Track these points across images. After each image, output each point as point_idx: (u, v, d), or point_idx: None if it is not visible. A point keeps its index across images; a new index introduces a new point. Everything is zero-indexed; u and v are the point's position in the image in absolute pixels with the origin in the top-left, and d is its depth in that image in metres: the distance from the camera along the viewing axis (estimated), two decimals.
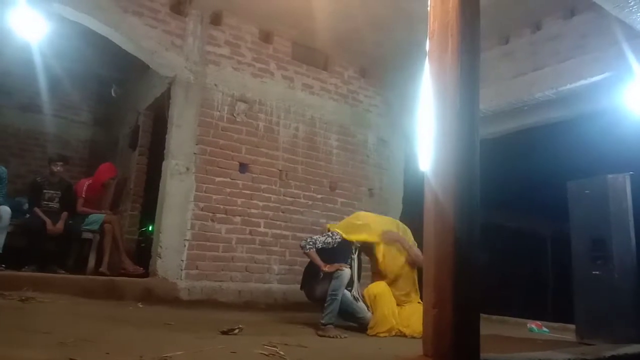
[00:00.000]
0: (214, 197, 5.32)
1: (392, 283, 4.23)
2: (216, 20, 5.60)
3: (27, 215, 5.36)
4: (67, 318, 3.32)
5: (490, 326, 4.83)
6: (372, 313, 4.08)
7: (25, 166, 7.05)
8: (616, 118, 5.45)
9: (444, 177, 2.30)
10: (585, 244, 4.30)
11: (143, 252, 5.91)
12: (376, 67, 6.73)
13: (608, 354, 3.15)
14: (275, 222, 5.72)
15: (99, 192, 5.90)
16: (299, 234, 5.70)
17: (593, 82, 4.93)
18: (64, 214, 5.31)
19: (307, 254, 4.15)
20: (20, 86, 7.07)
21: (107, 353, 2.29)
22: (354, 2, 5.12)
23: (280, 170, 5.85)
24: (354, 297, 4.15)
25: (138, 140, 6.34)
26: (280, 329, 3.78)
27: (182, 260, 5.06)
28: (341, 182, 6.35)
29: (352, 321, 4.18)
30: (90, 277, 4.89)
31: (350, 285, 4.14)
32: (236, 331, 3.19)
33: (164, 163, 5.22)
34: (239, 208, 5.48)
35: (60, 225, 5.20)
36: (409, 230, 4.45)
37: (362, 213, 4.76)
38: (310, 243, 4.13)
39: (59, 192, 5.47)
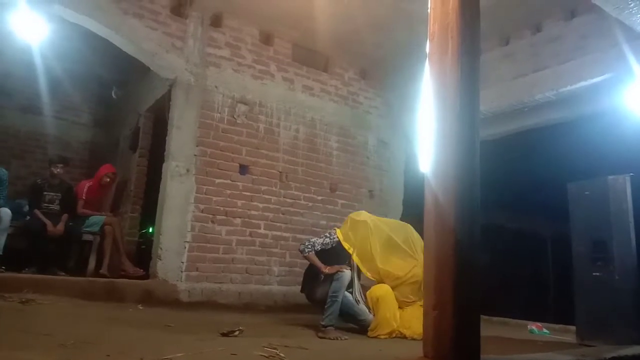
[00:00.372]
0: (214, 198, 5.32)
1: (394, 288, 4.16)
2: (216, 22, 5.61)
3: (28, 217, 5.35)
4: (67, 320, 3.32)
5: (490, 327, 4.82)
6: (374, 315, 4.07)
7: (26, 168, 7.07)
8: (616, 119, 5.45)
9: (445, 178, 2.30)
10: (586, 245, 4.29)
11: (143, 254, 5.91)
12: (376, 68, 6.73)
13: (609, 355, 3.14)
14: (275, 223, 5.72)
15: (99, 194, 5.90)
16: (299, 236, 5.70)
17: (593, 83, 4.93)
18: (65, 216, 5.31)
19: (307, 258, 4.14)
20: (21, 88, 7.09)
21: (108, 355, 2.29)
22: (354, 3, 5.13)
23: (280, 172, 5.85)
24: (355, 299, 4.14)
25: (138, 142, 6.35)
26: (281, 331, 3.77)
27: (182, 262, 5.06)
28: (341, 184, 6.35)
29: (354, 323, 4.17)
30: (90, 279, 4.88)
31: (350, 286, 4.14)
32: (236, 333, 3.19)
33: (164, 165, 5.23)
34: (239, 210, 5.48)
35: (60, 227, 5.20)
36: (421, 241, 4.13)
37: (364, 212, 4.55)
38: (309, 246, 4.12)
39: (59, 194, 5.46)
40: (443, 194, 2.28)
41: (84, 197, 5.67)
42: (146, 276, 5.10)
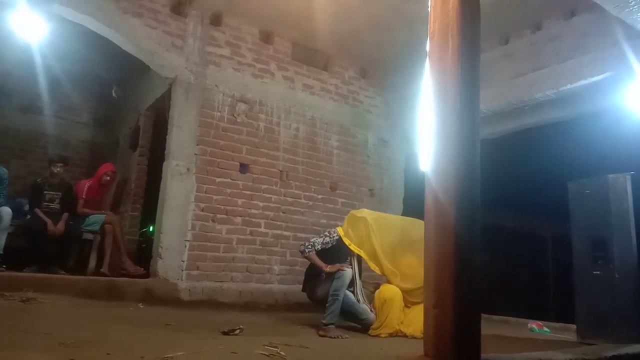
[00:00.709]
0: (215, 197, 5.32)
1: (409, 293, 4.10)
2: (216, 21, 5.60)
3: (28, 216, 5.36)
4: (67, 319, 3.32)
5: (491, 326, 4.83)
6: (377, 315, 4.07)
7: (26, 167, 7.06)
8: (617, 118, 5.46)
9: (445, 177, 2.30)
10: (586, 244, 4.30)
11: (144, 253, 5.91)
12: (376, 67, 6.73)
13: (609, 354, 3.14)
14: (275, 222, 5.72)
15: (99, 193, 5.90)
16: (299, 235, 5.71)
17: (593, 82, 4.93)
18: (65, 215, 5.31)
19: (308, 258, 4.15)
20: (21, 87, 7.08)
21: (108, 354, 2.29)
22: (354, 3, 5.12)
23: (280, 171, 5.85)
24: (356, 297, 4.14)
25: (138, 141, 6.35)
26: (281, 330, 3.78)
27: (183, 261, 5.06)
28: (342, 183, 6.35)
29: (355, 322, 4.18)
30: (91, 277, 4.89)
31: (351, 285, 4.14)
32: (237, 332, 3.20)
33: (164, 164, 5.23)
34: (240, 208, 5.48)
35: (60, 226, 5.20)
36: None
37: (365, 210, 4.59)
38: (309, 246, 4.13)
39: (59, 193, 5.47)
40: (443, 192, 2.28)
41: (84, 196, 5.67)
42: (147, 275, 5.10)
